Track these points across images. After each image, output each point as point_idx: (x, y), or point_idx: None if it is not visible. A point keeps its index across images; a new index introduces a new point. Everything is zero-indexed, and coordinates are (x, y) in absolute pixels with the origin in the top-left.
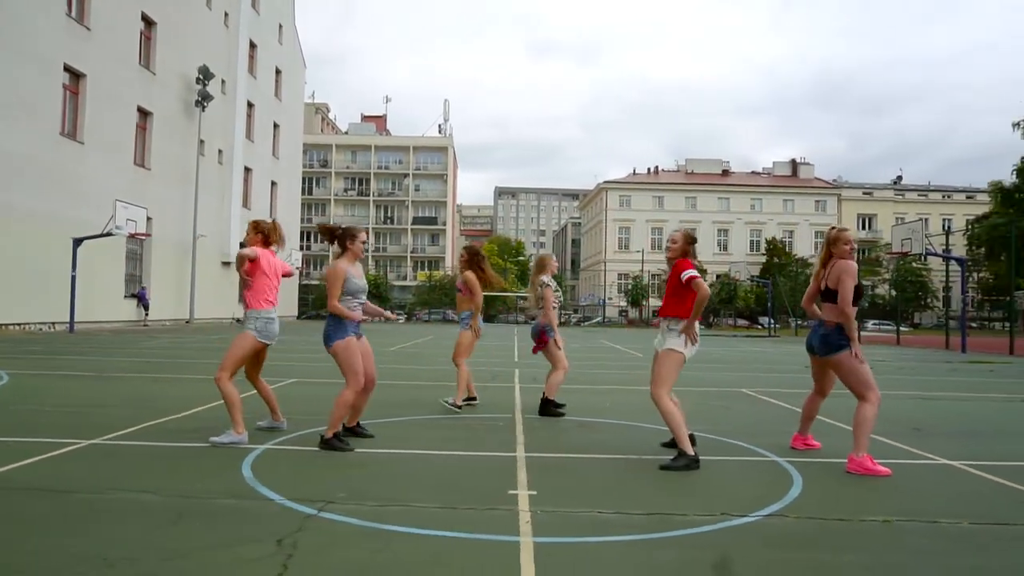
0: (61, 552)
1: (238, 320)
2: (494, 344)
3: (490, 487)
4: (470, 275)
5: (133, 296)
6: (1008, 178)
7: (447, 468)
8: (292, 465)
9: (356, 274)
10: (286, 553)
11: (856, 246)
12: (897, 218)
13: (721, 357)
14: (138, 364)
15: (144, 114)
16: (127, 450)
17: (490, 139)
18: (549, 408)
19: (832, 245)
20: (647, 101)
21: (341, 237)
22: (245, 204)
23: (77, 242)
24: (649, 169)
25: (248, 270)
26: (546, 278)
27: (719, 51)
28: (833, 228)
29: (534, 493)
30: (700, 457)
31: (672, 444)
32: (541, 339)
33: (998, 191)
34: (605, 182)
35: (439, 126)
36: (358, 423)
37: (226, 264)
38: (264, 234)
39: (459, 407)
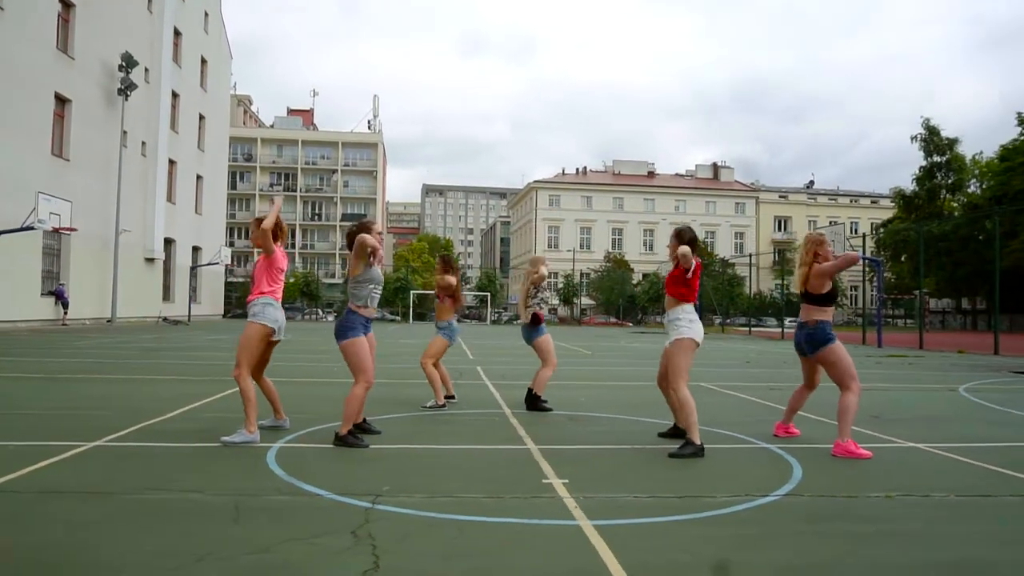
0: (142, 550)
1: (165, 319)
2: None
3: (521, 477)
4: (450, 279)
5: (51, 294)
6: (908, 185)
7: (469, 461)
8: (317, 461)
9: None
10: (368, 543)
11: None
12: (810, 221)
13: (657, 352)
14: (83, 365)
15: (62, 101)
16: (139, 451)
17: (418, 135)
18: (537, 403)
19: (819, 247)
20: (575, 102)
21: (356, 233)
22: (170, 198)
23: None
24: (577, 169)
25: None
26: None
27: (645, 56)
28: (813, 232)
29: (566, 481)
30: (708, 446)
31: (670, 434)
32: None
33: (900, 197)
34: (535, 181)
35: (368, 122)
36: (364, 419)
37: (149, 260)
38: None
39: (442, 405)
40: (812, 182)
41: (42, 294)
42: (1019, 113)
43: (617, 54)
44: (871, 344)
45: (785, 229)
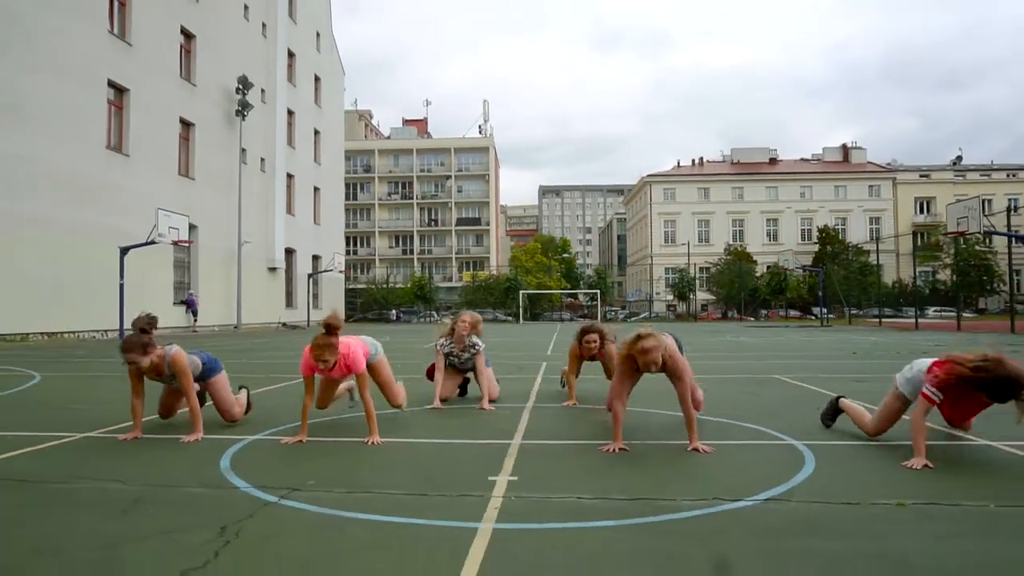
0: (14, 543)
1: (284, 324)
2: (533, 339)
3: (470, 474)
4: None
5: (182, 303)
6: None
7: (432, 456)
8: (274, 455)
9: None
10: (225, 540)
11: None
12: (958, 199)
13: (758, 345)
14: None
15: (186, 125)
16: (114, 443)
17: (546, 137)
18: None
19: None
20: (702, 92)
21: None
22: (289, 210)
23: (123, 251)
24: (694, 160)
25: None
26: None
27: (780, 34)
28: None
29: (515, 479)
30: (712, 442)
31: None
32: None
33: None
34: (649, 175)
35: (479, 127)
36: None
37: (272, 270)
38: None
39: None
40: (959, 157)
41: (174, 303)
42: None
43: (746, 36)
44: (1020, 332)
45: (928, 211)
